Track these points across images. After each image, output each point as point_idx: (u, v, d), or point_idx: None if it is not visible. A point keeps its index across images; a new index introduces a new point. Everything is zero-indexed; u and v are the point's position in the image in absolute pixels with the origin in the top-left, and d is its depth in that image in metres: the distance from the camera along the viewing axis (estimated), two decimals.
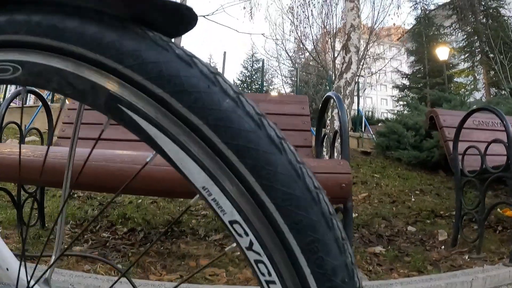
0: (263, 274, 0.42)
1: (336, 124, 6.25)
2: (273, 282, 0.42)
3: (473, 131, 3.81)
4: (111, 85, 0.42)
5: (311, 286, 0.41)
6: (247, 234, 0.42)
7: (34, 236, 2.68)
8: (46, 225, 2.95)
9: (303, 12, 20.83)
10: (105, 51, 0.42)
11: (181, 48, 0.43)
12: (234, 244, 0.44)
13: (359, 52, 7.15)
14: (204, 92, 0.41)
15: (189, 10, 0.42)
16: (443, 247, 3.25)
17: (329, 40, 20.51)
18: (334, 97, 2.42)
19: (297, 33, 21.48)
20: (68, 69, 0.43)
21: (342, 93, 6.27)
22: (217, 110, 0.41)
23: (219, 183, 0.42)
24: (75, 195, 3.92)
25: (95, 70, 0.43)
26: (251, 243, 0.42)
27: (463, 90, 19.66)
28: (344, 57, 6.67)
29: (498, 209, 3.77)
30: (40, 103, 6.24)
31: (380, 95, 38.41)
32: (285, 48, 22.87)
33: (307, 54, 22.92)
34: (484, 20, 20.25)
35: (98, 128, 2.70)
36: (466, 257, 2.90)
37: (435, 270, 2.63)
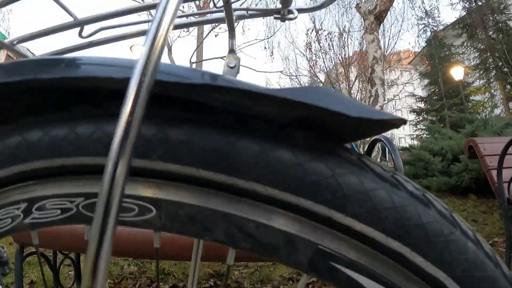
0: None
1: None
2: None
3: None
4: (321, 238, 0.31)
5: None
6: None
7: None
8: None
9: (321, 47, 21.03)
10: (315, 194, 0.31)
11: (408, 179, 0.33)
12: None
13: (384, 85, 7.06)
14: (450, 240, 0.31)
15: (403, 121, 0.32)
16: None
17: (343, 70, 20.60)
18: (384, 141, 2.13)
19: (311, 67, 21.70)
20: (246, 215, 0.32)
21: None
22: (464, 260, 0.31)
23: None
24: None
25: (294, 219, 0.32)
26: None
27: (481, 108, 19.41)
28: (370, 91, 6.58)
29: None
30: None
31: None
32: (299, 83, 22.88)
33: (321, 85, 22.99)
34: (495, 35, 20.16)
35: None
36: None
37: None
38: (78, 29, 0.74)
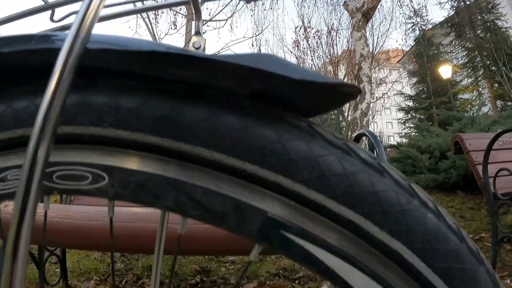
0: None
1: None
2: None
3: (499, 152, 3.73)
4: (270, 205, 0.31)
5: None
6: None
7: None
8: (69, 282, 2.82)
9: (309, 45, 21.02)
10: (261, 159, 0.30)
11: (362, 148, 0.33)
12: None
13: (371, 82, 7.08)
14: (407, 210, 0.31)
15: (351, 87, 0.32)
16: None
17: (332, 68, 20.62)
18: (368, 135, 2.15)
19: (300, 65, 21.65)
20: (195, 181, 0.31)
21: (359, 124, 6.20)
22: (423, 231, 0.31)
23: None
24: None
25: (242, 185, 0.31)
26: None
27: (469, 106, 19.56)
28: None
29: None
30: None
31: (385, 119, 38.28)
32: None
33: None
34: (483, 34, 20.31)
35: None
36: (508, 281, 2.78)
37: None
38: (50, 12, 0.74)
